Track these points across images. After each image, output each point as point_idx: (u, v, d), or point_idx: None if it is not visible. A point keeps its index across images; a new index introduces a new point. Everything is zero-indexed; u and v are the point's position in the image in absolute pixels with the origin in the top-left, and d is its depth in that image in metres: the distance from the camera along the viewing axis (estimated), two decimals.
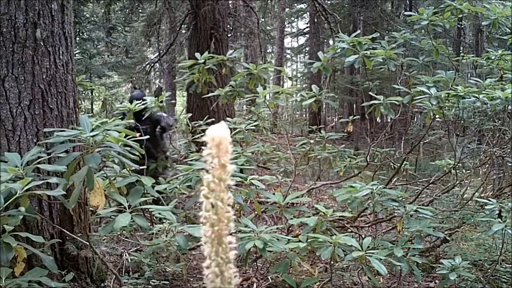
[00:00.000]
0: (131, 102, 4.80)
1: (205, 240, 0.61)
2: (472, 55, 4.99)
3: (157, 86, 18.28)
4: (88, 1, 11.92)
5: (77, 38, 11.98)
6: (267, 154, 5.70)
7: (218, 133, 0.60)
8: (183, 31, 9.84)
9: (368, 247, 2.90)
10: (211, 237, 0.60)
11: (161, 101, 4.57)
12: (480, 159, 5.44)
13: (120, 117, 4.37)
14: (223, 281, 0.61)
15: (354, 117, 5.14)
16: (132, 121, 4.41)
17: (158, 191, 3.22)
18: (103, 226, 3.02)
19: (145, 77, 13.55)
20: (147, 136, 3.51)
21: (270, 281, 3.67)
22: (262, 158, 5.83)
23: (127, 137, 2.58)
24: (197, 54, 4.44)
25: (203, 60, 4.31)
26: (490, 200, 3.51)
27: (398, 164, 4.81)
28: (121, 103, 4.85)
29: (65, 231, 2.83)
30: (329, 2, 15.54)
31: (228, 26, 9.06)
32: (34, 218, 2.56)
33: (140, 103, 4.58)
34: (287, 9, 20.37)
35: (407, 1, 14.92)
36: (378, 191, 3.35)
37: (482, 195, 4.84)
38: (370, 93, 4.27)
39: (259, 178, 3.45)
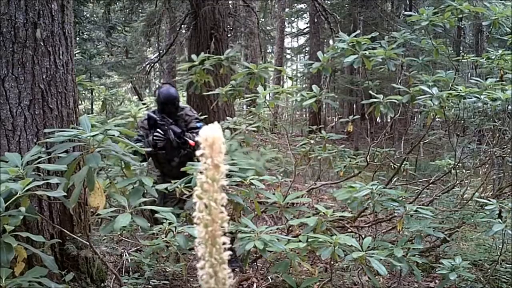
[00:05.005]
0: (163, 102, 4.12)
1: (199, 241, 0.61)
2: (472, 55, 4.98)
3: (157, 86, 18.26)
4: (88, 1, 11.91)
5: (77, 38, 11.98)
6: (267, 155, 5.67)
7: (211, 133, 0.60)
8: (183, 31, 9.84)
9: (368, 247, 2.90)
10: (204, 237, 0.60)
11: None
12: (480, 159, 5.43)
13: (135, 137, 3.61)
14: (217, 282, 0.60)
15: (354, 117, 5.13)
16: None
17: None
18: (103, 226, 3.02)
19: (145, 77, 13.54)
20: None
21: (270, 281, 3.67)
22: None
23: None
24: (193, 56, 4.41)
25: (199, 61, 4.29)
26: (490, 200, 3.50)
27: (398, 164, 4.80)
28: (120, 104, 4.76)
29: (65, 231, 2.83)
30: (329, 2, 15.52)
31: (228, 26, 9.05)
32: (34, 218, 2.56)
33: (177, 102, 4.06)
34: (287, 9, 20.36)
35: (407, 1, 14.90)
36: (378, 191, 3.35)
37: (482, 195, 4.83)
38: (370, 92, 4.27)
39: (259, 178, 3.45)
